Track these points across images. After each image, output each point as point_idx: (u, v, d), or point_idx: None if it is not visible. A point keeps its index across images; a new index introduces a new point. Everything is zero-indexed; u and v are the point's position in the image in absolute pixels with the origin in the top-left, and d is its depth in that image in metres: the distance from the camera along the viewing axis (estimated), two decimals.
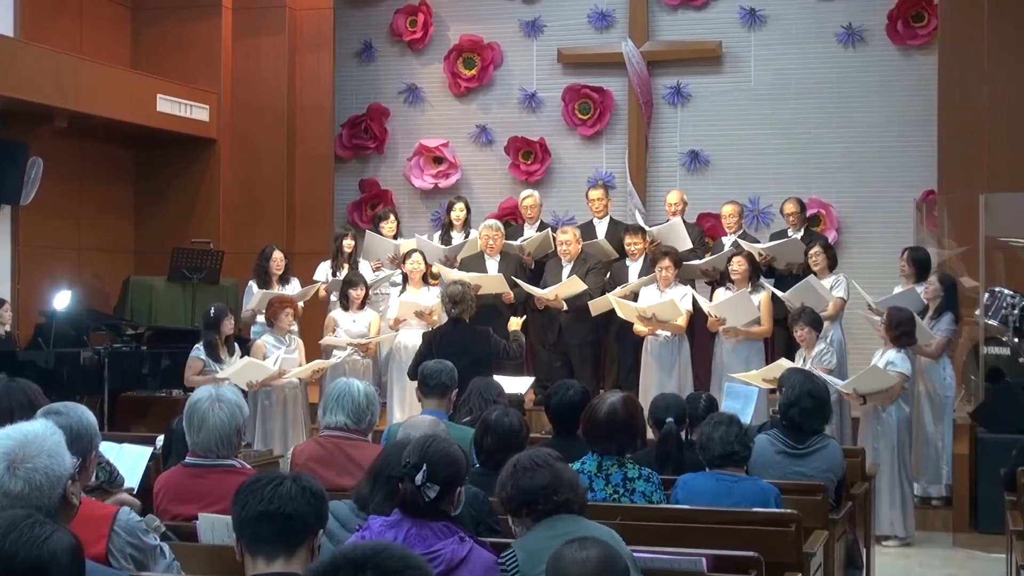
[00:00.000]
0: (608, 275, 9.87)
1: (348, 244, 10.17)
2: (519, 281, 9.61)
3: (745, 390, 7.65)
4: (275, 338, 8.91)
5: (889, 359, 8.01)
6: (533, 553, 3.43)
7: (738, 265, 9.14)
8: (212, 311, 8.81)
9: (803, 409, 5.44)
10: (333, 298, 10.04)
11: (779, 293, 9.11)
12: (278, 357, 8.65)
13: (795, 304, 8.79)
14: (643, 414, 5.06)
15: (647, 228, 10.12)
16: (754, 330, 9.08)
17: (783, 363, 8.16)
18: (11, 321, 9.77)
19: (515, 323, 8.75)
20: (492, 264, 9.86)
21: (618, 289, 9.47)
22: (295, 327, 9.26)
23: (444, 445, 3.60)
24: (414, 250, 9.80)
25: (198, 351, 8.71)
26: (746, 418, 6.54)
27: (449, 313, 8.49)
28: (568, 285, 9.49)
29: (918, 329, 8.32)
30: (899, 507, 8.07)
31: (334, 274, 10.07)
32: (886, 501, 7.98)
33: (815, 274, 9.21)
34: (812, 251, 9.33)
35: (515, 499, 3.63)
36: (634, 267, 9.77)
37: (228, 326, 8.78)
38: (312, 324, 9.96)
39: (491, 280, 9.58)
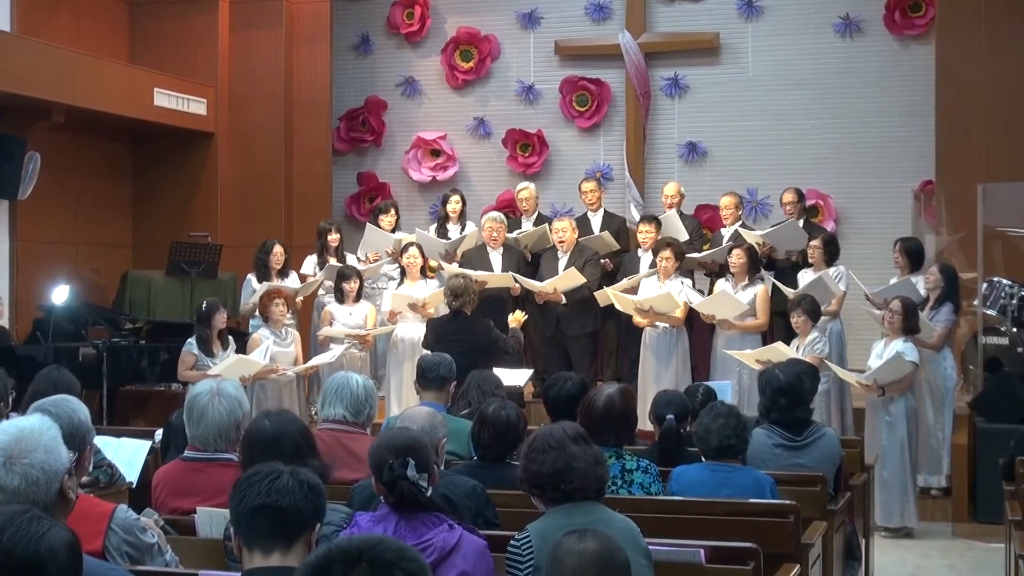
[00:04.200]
0: (615, 264, 9.83)
1: (333, 238, 10.16)
2: (518, 277, 9.58)
3: (719, 386, 7.62)
4: (271, 331, 8.91)
5: (898, 349, 7.98)
6: (548, 539, 3.37)
7: (737, 258, 9.11)
8: (204, 305, 8.82)
9: (780, 407, 5.45)
10: (321, 290, 10.04)
11: (788, 291, 9.05)
12: (267, 350, 8.64)
13: None
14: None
15: (659, 218, 10.03)
16: (749, 324, 9.02)
17: (779, 347, 8.16)
18: (5, 314, 9.76)
19: (516, 319, 8.73)
20: (495, 256, 9.80)
21: (622, 282, 9.46)
22: (291, 319, 9.25)
23: (407, 434, 3.69)
24: (411, 243, 9.79)
25: (190, 345, 8.71)
26: None
27: (450, 306, 8.49)
28: (566, 278, 9.44)
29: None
30: (911, 499, 8.07)
31: (320, 268, 10.05)
32: (897, 493, 7.99)
33: (812, 266, 9.22)
34: (813, 243, 9.31)
35: (525, 481, 3.64)
36: (645, 257, 9.70)
37: (220, 320, 8.78)
38: (308, 316, 9.94)
39: (497, 278, 9.54)
